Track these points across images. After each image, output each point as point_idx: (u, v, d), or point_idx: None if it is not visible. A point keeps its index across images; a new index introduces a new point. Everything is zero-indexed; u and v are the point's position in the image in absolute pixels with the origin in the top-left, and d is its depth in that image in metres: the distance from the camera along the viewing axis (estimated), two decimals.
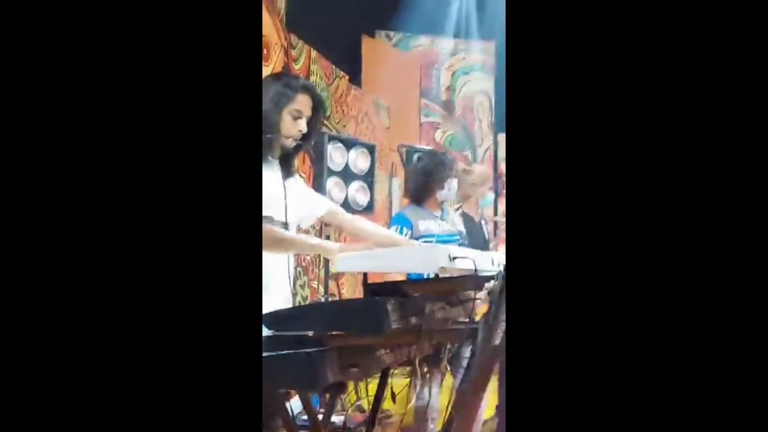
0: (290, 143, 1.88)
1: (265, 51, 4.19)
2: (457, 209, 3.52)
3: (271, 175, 1.87)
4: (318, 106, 1.93)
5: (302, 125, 1.87)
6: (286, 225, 1.88)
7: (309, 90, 1.92)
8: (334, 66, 5.31)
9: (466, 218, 3.45)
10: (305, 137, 1.91)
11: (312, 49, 4.90)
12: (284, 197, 1.86)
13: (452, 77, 7.18)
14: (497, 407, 3.66)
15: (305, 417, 1.89)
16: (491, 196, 3.54)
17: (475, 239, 3.36)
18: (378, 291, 1.62)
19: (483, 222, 3.60)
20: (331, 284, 4.28)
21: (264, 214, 1.83)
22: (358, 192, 3.68)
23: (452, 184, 2.97)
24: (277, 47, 4.39)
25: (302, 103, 1.87)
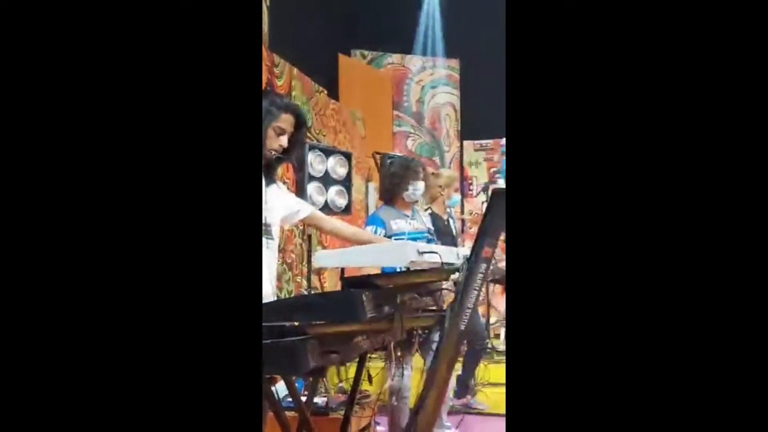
0: (272, 155, 1.87)
1: None
2: (427, 209, 3.53)
3: None
4: (300, 124, 1.93)
5: (284, 141, 1.87)
6: (268, 226, 1.88)
7: (292, 110, 1.92)
8: (313, 82, 5.29)
9: (436, 217, 3.46)
10: (286, 151, 1.91)
11: (293, 67, 4.89)
12: (265, 202, 1.87)
13: (421, 91, 7.19)
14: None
15: (290, 399, 1.88)
16: (458, 197, 3.56)
17: (445, 236, 3.37)
18: (354, 284, 1.61)
19: (451, 220, 3.61)
20: (314, 279, 4.27)
21: None
22: (336, 195, 3.67)
23: (417, 185, 2.97)
24: (262, 65, 4.37)
25: (286, 121, 1.87)
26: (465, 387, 3.69)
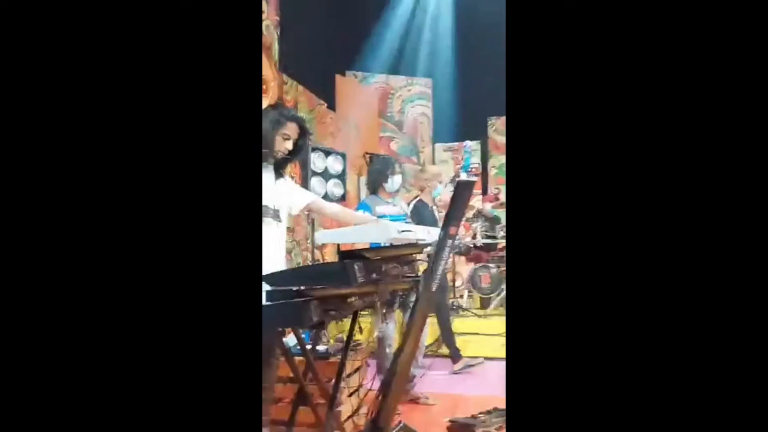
0: (279, 156, 1.88)
1: (264, 86, 4.11)
2: (416, 197, 3.49)
3: (266, 176, 1.87)
4: (303, 132, 1.93)
5: (289, 145, 1.89)
6: (277, 212, 1.88)
7: (297, 120, 1.92)
8: (315, 96, 5.24)
9: (423, 204, 3.43)
10: (292, 153, 1.91)
11: (299, 85, 4.83)
12: (276, 193, 1.87)
13: (402, 104, 7.15)
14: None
15: (298, 347, 1.88)
16: (441, 187, 3.60)
17: (428, 220, 3.35)
18: (348, 256, 1.61)
19: (434, 208, 3.59)
20: (318, 253, 4.26)
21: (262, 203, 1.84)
22: (334, 187, 3.65)
23: (395, 179, 2.96)
24: (273, 84, 4.32)
25: (291, 129, 1.88)
26: (455, 350, 3.58)
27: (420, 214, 3.22)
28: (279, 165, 1.92)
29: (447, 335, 3.54)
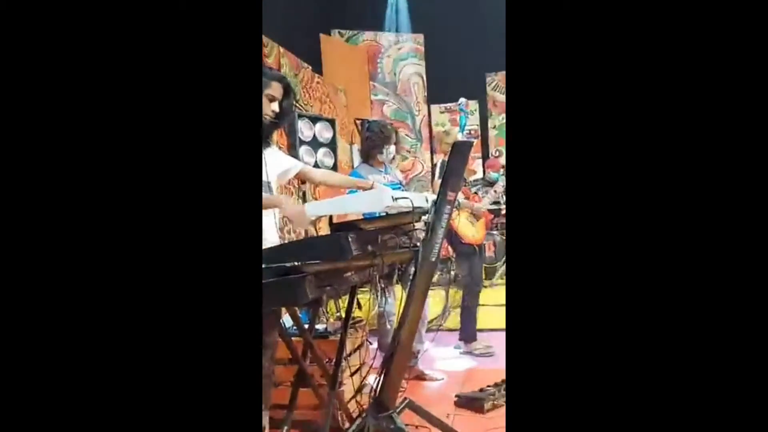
0: (267, 120, 1.85)
1: None
2: (442, 159, 3.46)
3: None
4: (288, 92, 1.90)
5: (275, 107, 1.85)
6: (267, 183, 1.87)
7: (280, 79, 1.89)
8: (299, 59, 5.17)
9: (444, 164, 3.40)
10: (278, 117, 1.88)
11: (280, 47, 4.76)
12: (264, 163, 1.85)
13: (393, 63, 7.05)
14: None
15: (296, 328, 1.91)
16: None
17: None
18: (341, 229, 1.62)
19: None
20: (311, 227, 4.26)
21: None
22: (324, 156, 3.64)
23: (390, 149, 2.95)
24: None
25: (275, 89, 1.85)
26: (472, 330, 3.55)
27: None
28: (266, 132, 1.89)
29: (467, 314, 3.51)
